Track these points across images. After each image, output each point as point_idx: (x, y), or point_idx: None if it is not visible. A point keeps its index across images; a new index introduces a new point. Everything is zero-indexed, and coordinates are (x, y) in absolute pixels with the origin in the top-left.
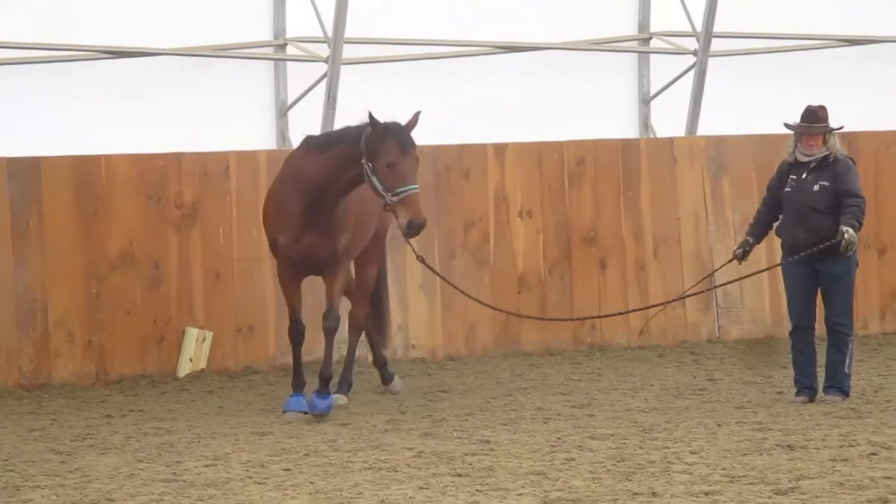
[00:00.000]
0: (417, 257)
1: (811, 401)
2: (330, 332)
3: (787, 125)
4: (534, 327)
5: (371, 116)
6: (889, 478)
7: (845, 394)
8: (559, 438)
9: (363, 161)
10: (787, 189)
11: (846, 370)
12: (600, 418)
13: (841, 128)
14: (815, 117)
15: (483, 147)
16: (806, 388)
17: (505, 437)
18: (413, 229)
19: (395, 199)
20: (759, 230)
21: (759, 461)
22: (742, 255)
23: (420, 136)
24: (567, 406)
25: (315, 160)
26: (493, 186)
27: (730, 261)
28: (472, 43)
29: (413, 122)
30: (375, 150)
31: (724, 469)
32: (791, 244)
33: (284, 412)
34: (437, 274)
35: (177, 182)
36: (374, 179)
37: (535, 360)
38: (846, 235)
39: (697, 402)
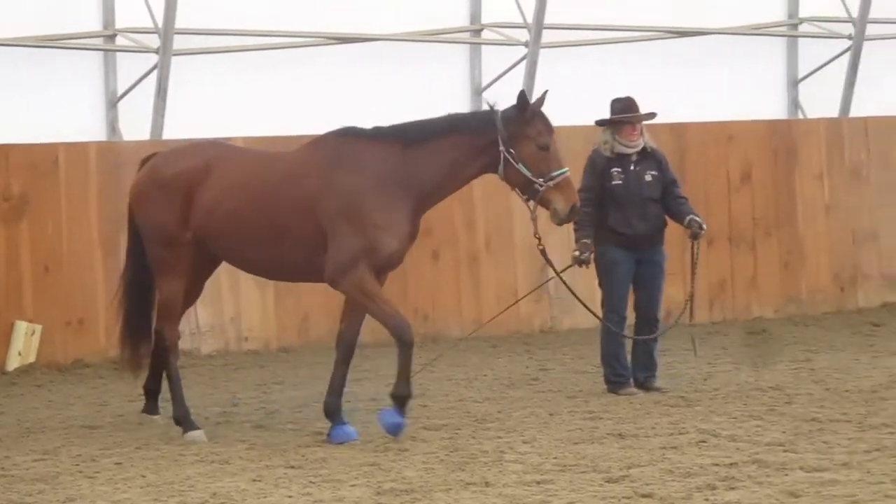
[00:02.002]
0: (541, 249)
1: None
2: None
3: (609, 119)
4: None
5: (522, 97)
6: (717, 465)
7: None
8: None
9: (501, 148)
10: (617, 182)
11: (657, 358)
12: (433, 409)
13: (655, 115)
14: (636, 107)
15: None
16: (628, 379)
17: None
18: (574, 214)
19: (549, 183)
20: (592, 231)
21: (591, 450)
22: (588, 259)
23: (252, 127)
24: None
25: (423, 155)
26: None
27: (569, 266)
28: (306, 34)
29: (541, 101)
30: (522, 134)
31: (555, 458)
32: (632, 236)
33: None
34: (555, 270)
35: (5, 174)
36: (521, 166)
37: (370, 351)
38: (705, 227)
39: (530, 391)
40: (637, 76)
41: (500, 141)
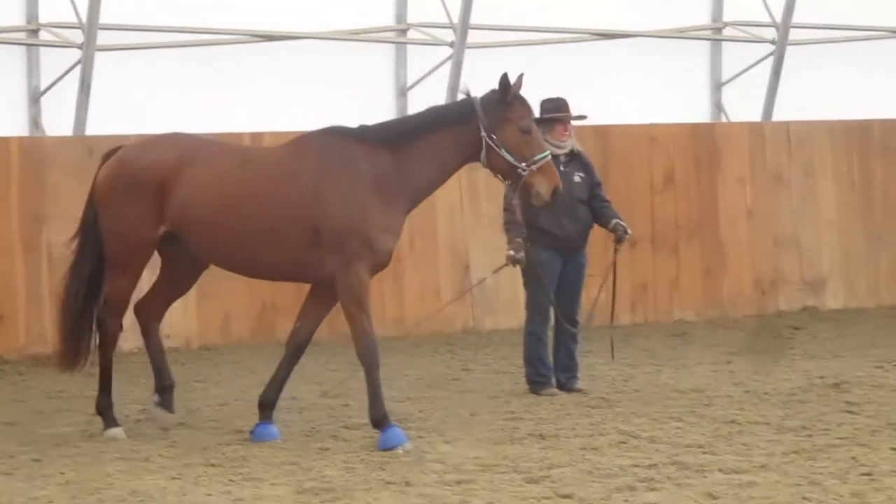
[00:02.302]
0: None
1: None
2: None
3: (541, 118)
4: (290, 316)
5: (504, 80)
6: (637, 465)
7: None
8: (313, 428)
9: (483, 135)
10: None
11: (579, 359)
12: (355, 408)
13: (586, 117)
14: (567, 108)
15: (240, 137)
16: (550, 379)
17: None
18: (556, 196)
19: (533, 167)
20: (524, 231)
21: (512, 450)
22: (523, 259)
23: (177, 124)
24: (322, 396)
25: (412, 155)
26: None
27: (503, 266)
28: (233, 31)
29: (519, 84)
30: (504, 119)
31: (476, 458)
32: (562, 237)
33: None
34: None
35: None
36: (504, 152)
37: None
38: (630, 231)
39: (451, 391)
40: (562, 78)
41: (481, 127)
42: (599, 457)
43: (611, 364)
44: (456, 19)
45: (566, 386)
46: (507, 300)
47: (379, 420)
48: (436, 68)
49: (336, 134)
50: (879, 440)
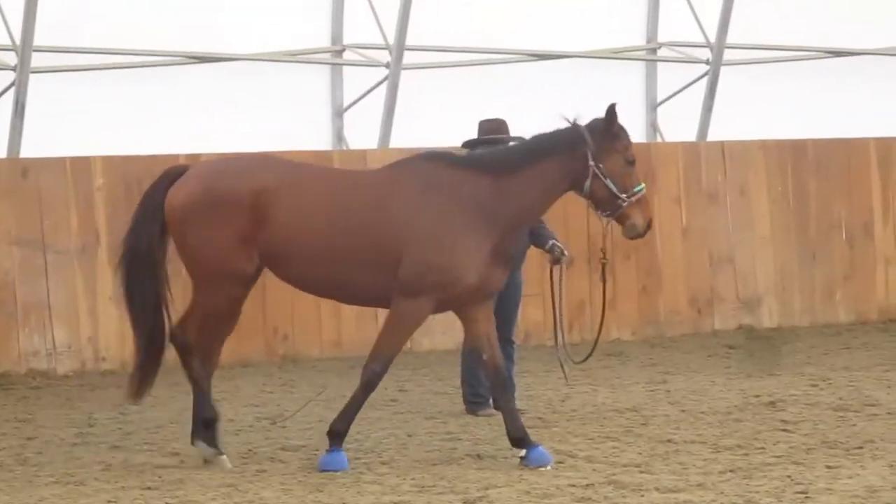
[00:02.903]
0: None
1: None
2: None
3: (482, 139)
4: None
5: (612, 111)
6: (574, 486)
7: None
8: (250, 450)
9: (591, 163)
10: None
11: (515, 379)
12: (292, 430)
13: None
14: (506, 128)
15: (175, 158)
16: (487, 399)
17: (196, 449)
18: (648, 230)
19: (632, 199)
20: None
21: (449, 471)
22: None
23: (113, 145)
24: (259, 417)
25: (513, 186)
26: None
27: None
28: (170, 52)
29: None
30: (611, 148)
31: (413, 479)
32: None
33: None
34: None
35: None
36: (609, 182)
37: (227, 371)
38: (567, 253)
39: (388, 412)
40: (499, 98)
41: (589, 156)
42: (537, 477)
43: (548, 384)
44: (392, 40)
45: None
46: (444, 321)
47: (335, 434)
48: (372, 89)
49: (437, 159)
50: (814, 458)
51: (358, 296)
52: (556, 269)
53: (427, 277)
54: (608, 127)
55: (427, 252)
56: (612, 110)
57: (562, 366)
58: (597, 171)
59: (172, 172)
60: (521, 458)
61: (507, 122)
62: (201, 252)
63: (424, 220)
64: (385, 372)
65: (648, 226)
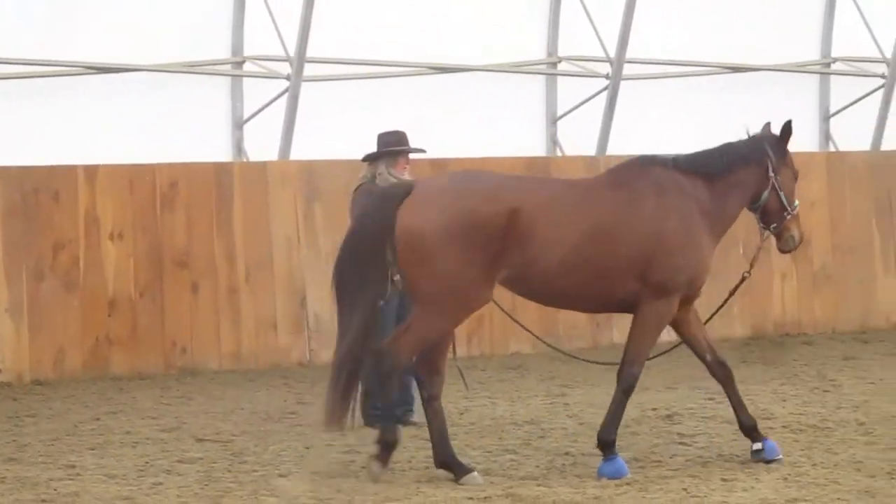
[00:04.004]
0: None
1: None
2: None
3: (384, 151)
4: (124, 351)
5: (788, 127)
6: (471, 498)
7: None
8: (147, 462)
9: (771, 175)
10: None
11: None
12: (189, 442)
13: (425, 150)
14: (407, 140)
15: (73, 169)
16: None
17: (92, 462)
18: (800, 244)
19: (794, 212)
20: None
21: (347, 484)
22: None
23: (7, 157)
24: (156, 430)
25: (724, 189)
26: (84, 209)
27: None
28: (61, 63)
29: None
30: (784, 163)
31: (311, 492)
32: None
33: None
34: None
35: None
36: (782, 195)
37: (125, 384)
38: None
39: (287, 425)
40: (400, 111)
41: (770, 168)
42: (434, 489)
43: (447, 397)
44: (293, 52)
45: (402, 419)
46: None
47: (606, 444)
48: (273, 101)
49: (654, 163)
50: (710, 471)
51: (606, 303)
52: None
53: (678, 278)
54: (783, 141)
55: (677, 253)
56: (788, 126)
57: (461, 374)
58: (775, 183)
59: (394, 193)
60: (756, 451)
61: (407, 135)
62: (444, 278)
63: (670, 223)
64: (639, 373)
65: (800, 240)
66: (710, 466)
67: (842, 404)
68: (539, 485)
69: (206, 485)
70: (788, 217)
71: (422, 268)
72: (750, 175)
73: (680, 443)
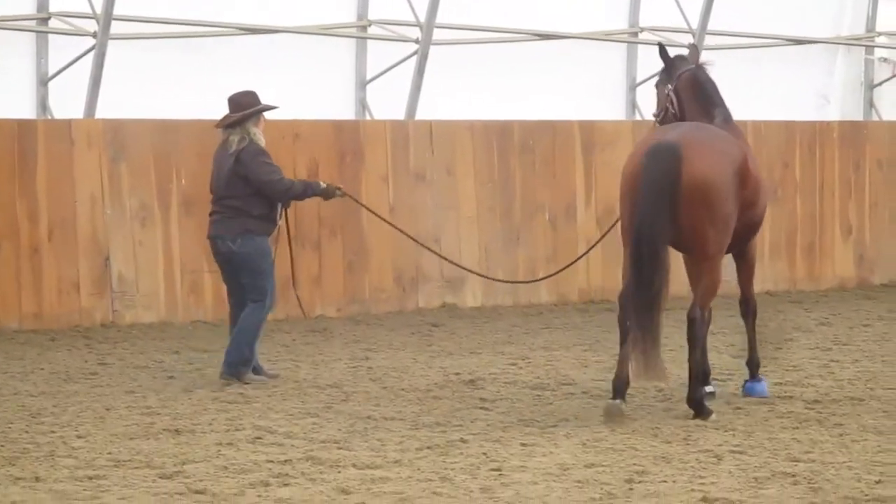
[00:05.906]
0: None
1: None
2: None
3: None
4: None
5: None
6: (271, 461)
7: None
8: None
9: None
10: None
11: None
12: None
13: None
14: (257, 99)
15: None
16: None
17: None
18: None
19: None
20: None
21: (146, 445)
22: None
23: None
24: None
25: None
26: None
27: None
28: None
29: None
30: None
31: (110, 453)
32: (275, 225)
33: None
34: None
35: None
36: None
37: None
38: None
39: (87, 386)
40: (210, 72)
41: None
42: (235, 452)
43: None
44: (99, 10)
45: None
46: (147, 294)
47: (756, 364)
48: (76, 60)
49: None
50: (510, 436)
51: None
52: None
53: None
54: None
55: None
56: None
57: (299, 301)
58: None
59: (661, 150)
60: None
61: (257, 93)
62: (728, 227)
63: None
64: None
65: None
66: (509, 431)
67: None
68: (340, 448)
69: (2, 445)
70: None
71: (713, 218)
72: None
73: (481, 407)
